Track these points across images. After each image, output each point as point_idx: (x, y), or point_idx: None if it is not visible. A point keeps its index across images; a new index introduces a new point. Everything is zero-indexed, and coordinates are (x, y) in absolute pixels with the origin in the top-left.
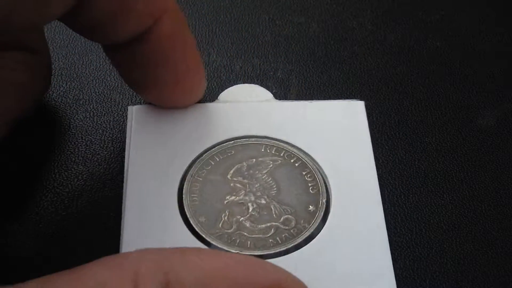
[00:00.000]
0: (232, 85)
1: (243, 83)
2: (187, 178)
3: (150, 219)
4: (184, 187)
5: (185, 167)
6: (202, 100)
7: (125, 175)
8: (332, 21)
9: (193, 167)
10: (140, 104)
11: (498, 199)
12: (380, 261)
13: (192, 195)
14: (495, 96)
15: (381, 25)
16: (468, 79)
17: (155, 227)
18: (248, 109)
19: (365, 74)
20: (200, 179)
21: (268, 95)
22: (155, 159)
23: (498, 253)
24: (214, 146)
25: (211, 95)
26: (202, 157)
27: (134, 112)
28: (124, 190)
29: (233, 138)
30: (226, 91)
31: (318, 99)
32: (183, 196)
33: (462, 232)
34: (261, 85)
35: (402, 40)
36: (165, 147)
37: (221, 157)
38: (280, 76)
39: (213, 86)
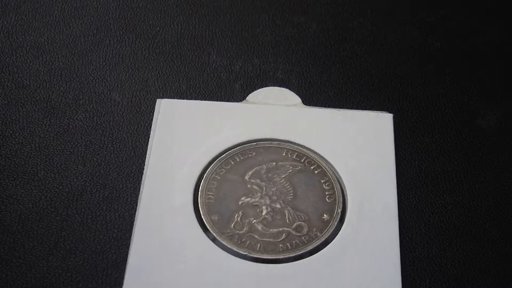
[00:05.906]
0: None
1: (243, 83)
2: (205, 175)
3: (164, 213)
4: (201, 184)
5: (204, 164)
6: (229, 100)
7: (145, 166)
8: (332, 21)
9: (213, 165)
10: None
11: (498, 199)
12: (389, 279)
13: (208, 193)
14: (495, 96)
15: (381, 25)
16: (468, 79)
17: (168, 221)
18: (274, 112)
19: (365, 74)
20: (218, 177)
21: (297, 99)
22: (176, 153)
23: (498, 253)
24: (235, 146)
25: (211, 95)
26: (222, 156)
27: (162, 106)
28: (142, 181)
29: (255, 139)
30: (255, 92)
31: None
32: (199, 193)
33: (462, 232)
34: (261, 85)
35: (402, 40)
36: (188, 142)
37: (242, 158)
38: (280, 76)
39: (213, 86)
